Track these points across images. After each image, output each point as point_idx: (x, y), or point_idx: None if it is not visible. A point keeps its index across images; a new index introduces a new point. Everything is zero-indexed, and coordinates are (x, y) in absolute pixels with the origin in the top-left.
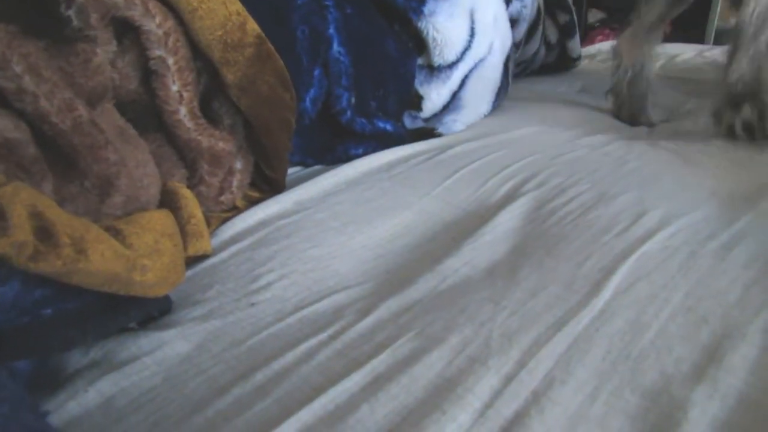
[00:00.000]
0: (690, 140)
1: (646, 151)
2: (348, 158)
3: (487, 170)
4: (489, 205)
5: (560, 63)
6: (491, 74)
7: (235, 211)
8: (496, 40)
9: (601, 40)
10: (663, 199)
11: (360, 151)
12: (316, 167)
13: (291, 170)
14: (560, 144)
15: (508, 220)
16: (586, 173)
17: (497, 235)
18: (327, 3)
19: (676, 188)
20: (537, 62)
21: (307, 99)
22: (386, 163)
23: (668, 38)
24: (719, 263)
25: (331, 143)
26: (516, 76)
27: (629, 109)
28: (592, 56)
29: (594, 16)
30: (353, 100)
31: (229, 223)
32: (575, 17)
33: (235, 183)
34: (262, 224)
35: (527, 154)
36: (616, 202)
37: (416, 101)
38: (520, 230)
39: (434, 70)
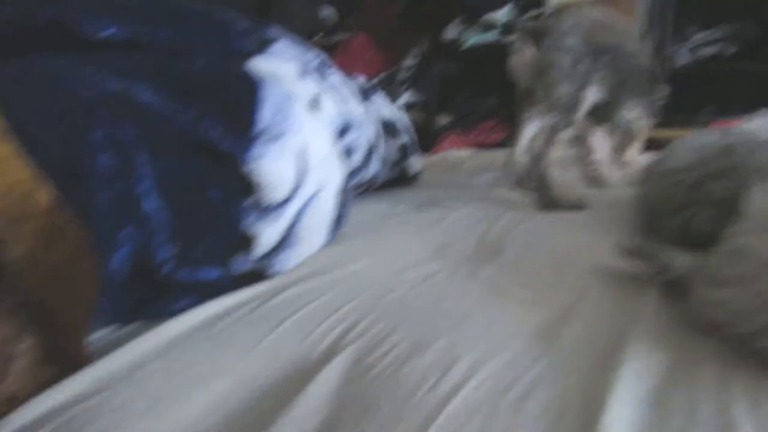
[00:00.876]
0: (507, 264)
1: (464, 283)
2: (169, 313)
3: (312, 319)
4: (311, 362)
5: (402, 180)
6: (326, 207)
7: (16, 400)
8: (328, 176)
9: (450, 143)
10: (473, 343)
11: (182, 304)
12: (132, 327)
13: (101, 334)
14: (387, 280)
15: (327, 381)
16: (405, 317)
17: (313, 404)
18: (138, 159)
19: (486, 327)
20: (379, 181)
21: (116, 260)
22: (208, 318)
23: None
24: (515, 417)
25: (149, 299)
26: (359, 195)
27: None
28: (436, 165)
29: (444, 119)
30: (175, 251)
31: (5, 420)
32: (413, 138)
33: (15, 369)
34: (52, 414)
35: (354, 295)
36: (429, 352)
37: (246, 242)
38: (336, 395)
39: (265, 210)
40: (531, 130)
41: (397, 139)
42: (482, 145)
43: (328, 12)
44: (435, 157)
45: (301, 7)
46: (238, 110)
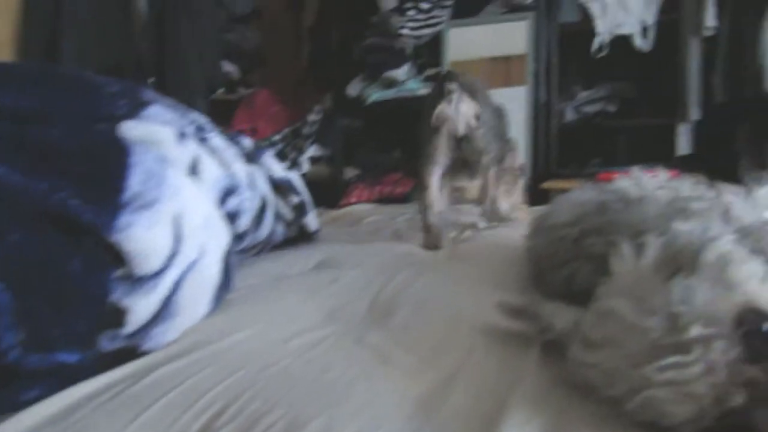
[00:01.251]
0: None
1: (351, 350)
2: (17, 406)
3: (183, 401)
4: None
5: (300, 237)
6: (209, 274)
7: None
8: (209, 241)
9: (357, 195)
10: (352, 418)
11: (34, 393)
12: None
13: None
14: (271, 350)
15: None
16: (284, 392)
17: None
18: None
19: (369, 399)
20: (276, 239)
21: None
22: (63, 408)
23: None
24: None
25: None
26: (255, 255)
27: None
28: (339, 219)
29: (350, 172)
30: (22, 336)
31: None
32: (306, 197)
33: None
34: None
35: (232, 370)
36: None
37: (116, 317)
38: None
39: (137, 281)
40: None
41: (290, 198)
42: (388, 197)
43: (229, 68)
44: (339, 212)
45: (201, 63)
46: (103, 178)
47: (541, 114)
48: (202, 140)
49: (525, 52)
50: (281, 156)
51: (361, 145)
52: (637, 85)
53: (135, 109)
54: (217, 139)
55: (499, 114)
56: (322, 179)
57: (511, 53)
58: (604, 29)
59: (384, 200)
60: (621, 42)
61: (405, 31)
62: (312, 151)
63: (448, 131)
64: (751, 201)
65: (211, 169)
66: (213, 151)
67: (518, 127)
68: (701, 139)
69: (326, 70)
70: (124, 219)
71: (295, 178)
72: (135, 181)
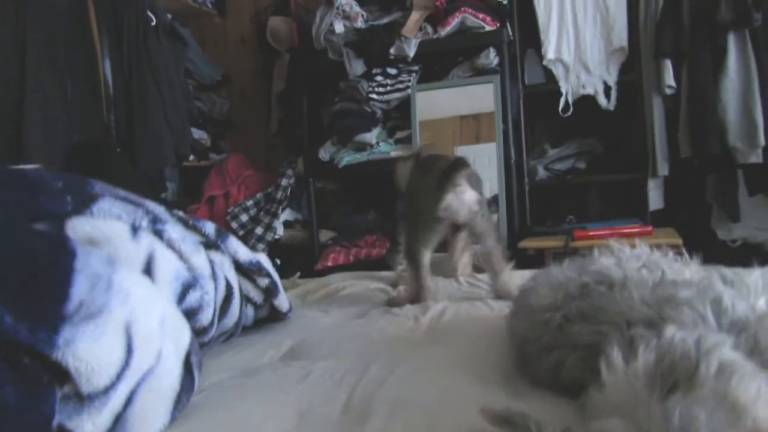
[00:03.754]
0: None
1: None
2: None
3: None
4: None
5: (273, 316)
6: (166, 382)
7: None
8: (166, 344)
9: (334, 258)
10: None
11: None
12: None
13: None
14: None
15: None
16: None
17: None
18: None
19: None
20: (248, 321)
21: None
22: None
23: None
24: None
25: None
26: (226, 340)
27: None
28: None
29: (325, 235)
30: None
31: None
32: (275, 278)
33: None
34: None
35: None
36: None
37: None
38: None
39: (85, 399)
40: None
41: (259, 281)
42: (365, 260)
43: (199, 135)
44: (313, 283)
45: (171, 131)
46: (43, 287)
47: (512, 173)
48: (158, 232)
49: (493, 110)
50: (255, 221)
51: (335, 207)
52: (604, 142)
53: (83, 204)
54: (174, 229)
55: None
56: (298, 242)
57: (480, 111)
58: (568, 89)
59: (361, 263)
60: (585, 101)
61: (374, 96)
62: (286, 215)
63: (451, 220)
64: (742, 288)
65: (168, 265)
66: (170, 244)
67: (491, 185)
68: (671, 192)
69: (296, 135)
70: (67, 332)
71: (263, 259)
72: (80, 288)
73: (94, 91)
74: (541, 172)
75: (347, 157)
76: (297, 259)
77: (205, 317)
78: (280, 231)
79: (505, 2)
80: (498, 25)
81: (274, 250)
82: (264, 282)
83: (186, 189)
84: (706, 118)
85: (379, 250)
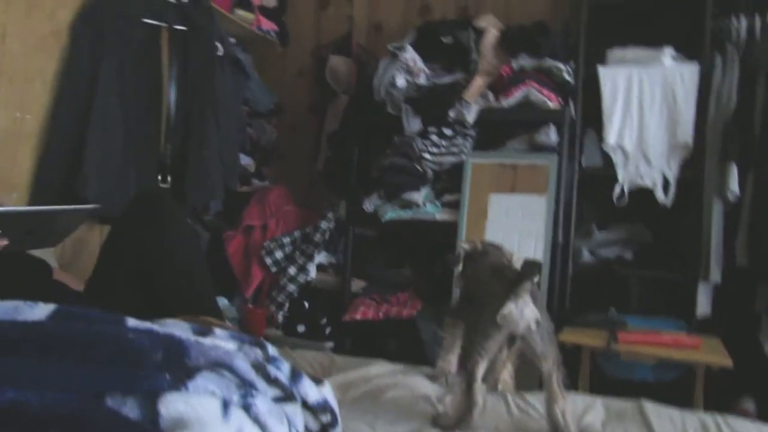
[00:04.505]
0: None
1: None
2: None
3: None
4: None
5: None
6: None
7: None
8: None
9: (364, 311)
10: None
11: None
12: None
13: None
14: None
15: None
16: None
17: None
18: None
19: None
20: None
21: None
22: None
23: None
24: None
25: None
26: None
27: None
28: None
29: (357, 284)
30: None
31: None
32: (337, 413)
33: None
34: None
35: None
36: None
37: None
38: None
39: None
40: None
41: (322, 417)
42: (395, 317)
43: (245, 160)
44: (354, 373)
45: (222, 162)
46: None
47: (557, 256)
48: (247, 407)
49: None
50: (289, 260)
51: (371, 258)
52: (654, 235)
53: (180, 381)
54: (263, 402)
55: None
56: (329, 287)
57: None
58: (626, 178)
59: (390, 321)
60: (640, 191)
61: (426, 155)
62: (321, 258)
63: (509, 331)
64: None
65: None
66: (257, 419)
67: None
68: (721, 299)
69: (342, 179)
70: None
71: (329, 395)
72: None
73: (155, 120)
74: (586, 255)
75: (391, 213)
76: (326, 305)
77: None
78: (313, 273)
79: (571, 81)
80: (561, 103)
81: (305, 292)
82: (326, 418)
83: (225, 213)
84: (767, 229)
85: (410, 311)
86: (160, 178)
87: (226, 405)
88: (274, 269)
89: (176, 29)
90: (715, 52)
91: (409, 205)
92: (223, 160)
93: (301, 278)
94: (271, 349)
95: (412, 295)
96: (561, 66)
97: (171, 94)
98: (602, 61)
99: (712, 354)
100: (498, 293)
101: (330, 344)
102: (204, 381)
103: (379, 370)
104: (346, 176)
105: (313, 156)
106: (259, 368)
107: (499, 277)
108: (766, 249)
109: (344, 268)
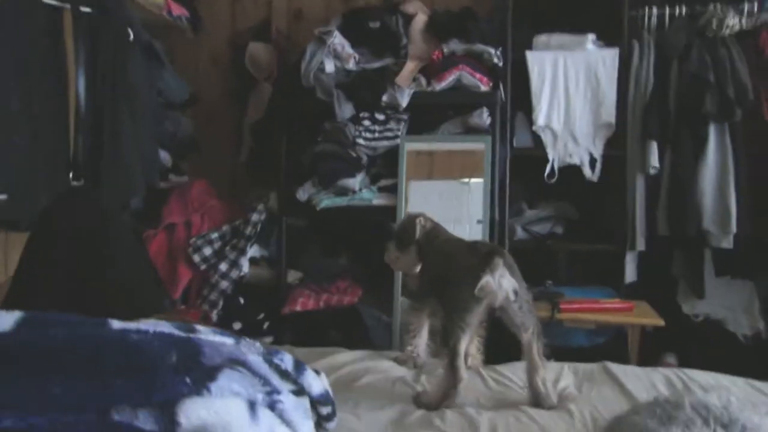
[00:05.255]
0: None
1: None
2: None
3: None
4: None
5: None
6: None
7: None
8: None
9: (303, 303)
10: None
11: None
12: None
13: None
14: None
15: None
16: None
17: None
18: None
19: None
20: None
21: None
22: None
23: None
24: None
25: None
26: None
27: None
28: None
29: (292, 276)
30: None
31: None
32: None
33: None
34: None
35: None
36: None
37: None
38: None
39: None
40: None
41: (321, 409)
42: (336, 305)
43: (162, 155)
44: (319, 364)
45: (141, 156)
46: None
47: (495, 233)
48: (273, 405)
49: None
50: (219, 256)
51: (304, 248)
52: (580, 210)
53: (201, 384)
54: (288, 399)
55: None
56: (264, 281)
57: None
58: (555, 157)
59: (333, 310)
60: (570, 170)
61: (360, 141)
62: (253, 251)
63: (488, 303)
64: None
65: None
66: (283, 417)
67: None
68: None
69: (269, 169)
70: None
71: (328, 387)
72: None
73: (63, 113)
74: (520, 233)
75: (327, 201)
76: (262, 299)
77: None
78: (246, 268)
79: (500, 64)
80: (492, 86)
81: (239, 288)
82: (326, 410)
83: (143, 211)
84: (684, 201)
85: (351, 298)
86: (72, 176)
87: (252, 405)
88: (203, 266)
89: (81, 11)
90: (632, 39)
91: (344, 191)
92: (142, 153)
93: (234, 274)
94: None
95: (352, 283)
96: (491, 50)
97: (80, 83)
98: (529, 46)
99: (644, 316)
100: (474, 267)
101: (269, 339)
102: (227, 381)
103: (344, 358)
104: (275, 166)
105: (234, 147)
106: (270, 363)
107: (472, 251)
108: (683, 218)
109: (279, 260)
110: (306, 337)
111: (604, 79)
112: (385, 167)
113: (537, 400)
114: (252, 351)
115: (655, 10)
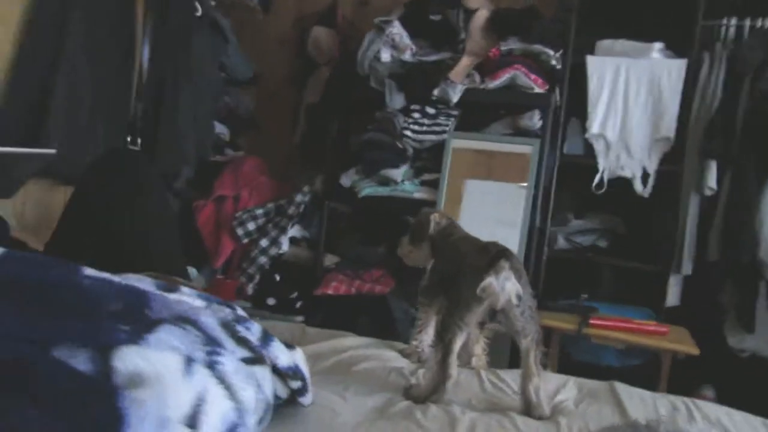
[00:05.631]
0: None
1: None
2: None
3: None
4: None
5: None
6: None
7: None
8: None
9: (336, 286)
10: None
11: None
12: None
13: None
14: None
15: None
16: None
17: None
18: None
19: None
20: None
21: None
22: None
23: None
24: None
25: None
26: None
27: None
28: (324, 356)
29: (330, 260)
30: None
31: None
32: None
33: None
34: None
35: None
36: None
37: None
38: None
39: None
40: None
41: (291, 383)
42: (367, 293)
43: (219, 129)
44: (325, 344)
45: (195, 128)
46: None
47: (533, 241)
48: (212, 365)
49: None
50: (262, 232)
51: (345, 234)
52: (629, 225)
53: (138, 335)
54: (229, 361)
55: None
56: (301, 261)
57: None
58: (606, 168)
59: (362, 297)
60: (619, 181)
61: (408, 133)
62: (294, 231)
63: (489, 304)
64: None
65: (216, 407)
66: (222, 378)
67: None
68: (690, 291)
69: (319, 153)
70: None
71: (300, 361)
72: None
73: (127, 78)
74: (562, 242)
75: (369, 189)
76: (298, 279)
77: None
78: (285, 247)
79: (558, 67)
80: (548, 88)
81: (277, 265)
82: (296, 384)
83: (197, 181)
84: (741, 227)
85: (383, 288)
86: (129, 139)
87: (189, 362)
88: (245, 240)
89: None
90: (704, 50)
91: (387, 181)
92: (197, 126)
93: (273, 251)
94: (241, 311)
95: (386, 273)
96: (550, 52)
97: (144, 53)
98: (591, 51)
99: (680, 342)
100: (479, 267)
101: (300, 318)
102: (166, 335)
103: (351, 342)
104: (324, 150)
105: (290, 128)
106: (227, 327)
107: (482, 252)
108: (738, 244)
109: (318, 242)
110: (336, 320)
111: (667, 90)
112: (430, 161)
113: (527, 409)
114: (215, 315)
115: (733, 21)
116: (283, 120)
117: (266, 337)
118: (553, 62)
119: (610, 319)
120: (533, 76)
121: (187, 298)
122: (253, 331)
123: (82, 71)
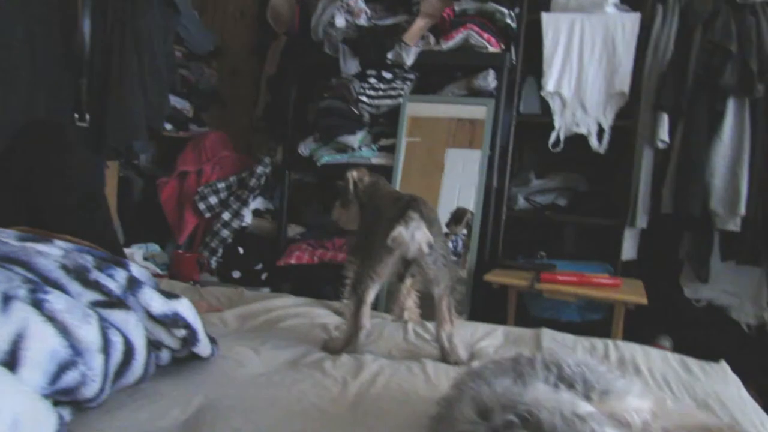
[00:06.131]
0: None
1: None
2: None
3: None
4: None
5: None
6: None
7: None
8: None
9: (298, 257)
10: None
11: None
12: None
13: None
14: None
15: None
16: None
17: None
18: None
19: None
20: (164, 362)
21: None
22: None
23: None
24: None
25: None
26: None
27: None
28: (254, 316)
29: (293, 230)
30: None
31: None
32: (195, 327)
33: None
34: None
35: None
36: None
37: None
38: None
39: None
40: None
41: (174, 332)
42: (329, 261)
43: (181, 105)
44: (259, 304)
45: (146, 101)
46: None
47: (491, 200)
48: (37, 303)
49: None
50: (224, 205)
51: (307, 203)
52: (589, 182)
53: None
54: (59, 299)
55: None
56: (264, 233)
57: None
58: (562, 125)
59: (324, 265)
60: (577, 139)
61: (364, 98)
62: (257, 203)
63: (400, 253)
64: None
65: (41, 343)
66: (51, 316)
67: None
68: (644, 243)
69: (281, 124)
70: None
71: (182, 308)
72: None
73: (67, 52)
74: (521, 202)
75: (327, 157)
76: (261, 251)
77: (89, 390)
78: (248, 219)
79: (513, 25)
80: (502, 47)
81: (240, 238)
82: (180, 333)
83: (161, 158)
84: (692, 179)
85: (345, 255)
86: (77, 116)
87: (6, 298)
88: (207, 214)
89: None
90: (657, 3)
91: (344, 148)
92: (148, 100)
93: (236, 224)
94: (133, 267)
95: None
96: (504, 10)
97: (85, 24)
98: (546, 7)
99: (632, 294)
100: (391, 218)
101: (266, 290)
102: None
103: (284, 302)
104: (283, 121)
105: (253, 101)
106: (75, 271)
107: (395, 204)
108: (690, 197)
109: (280, 213)
110: (302, 290)
111: (621, 45)
112: (387, 126)
113: (443, 355)
114: (53, 259)
115: None
116: (248, 94)
117: (134, 285)
118: (508, 20)
119: (563, 273)
120: (486, 35)
121: (43, 246)
122: (118, 279)
123: (18, 42)
